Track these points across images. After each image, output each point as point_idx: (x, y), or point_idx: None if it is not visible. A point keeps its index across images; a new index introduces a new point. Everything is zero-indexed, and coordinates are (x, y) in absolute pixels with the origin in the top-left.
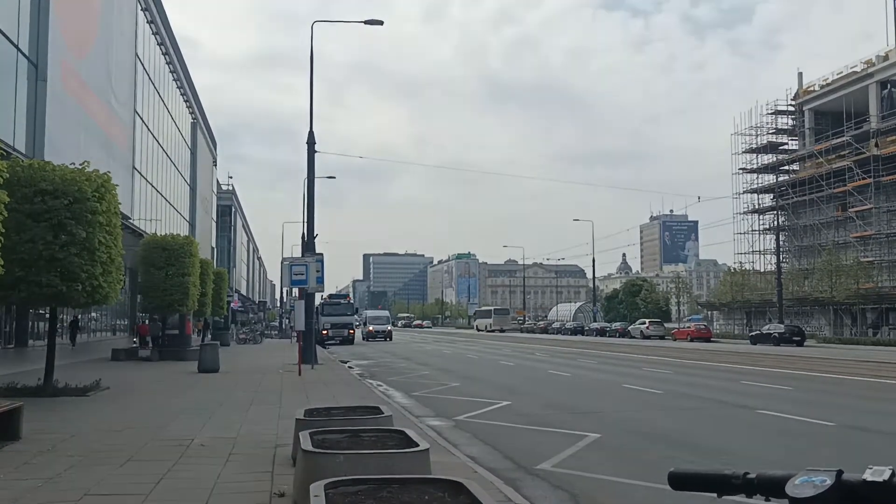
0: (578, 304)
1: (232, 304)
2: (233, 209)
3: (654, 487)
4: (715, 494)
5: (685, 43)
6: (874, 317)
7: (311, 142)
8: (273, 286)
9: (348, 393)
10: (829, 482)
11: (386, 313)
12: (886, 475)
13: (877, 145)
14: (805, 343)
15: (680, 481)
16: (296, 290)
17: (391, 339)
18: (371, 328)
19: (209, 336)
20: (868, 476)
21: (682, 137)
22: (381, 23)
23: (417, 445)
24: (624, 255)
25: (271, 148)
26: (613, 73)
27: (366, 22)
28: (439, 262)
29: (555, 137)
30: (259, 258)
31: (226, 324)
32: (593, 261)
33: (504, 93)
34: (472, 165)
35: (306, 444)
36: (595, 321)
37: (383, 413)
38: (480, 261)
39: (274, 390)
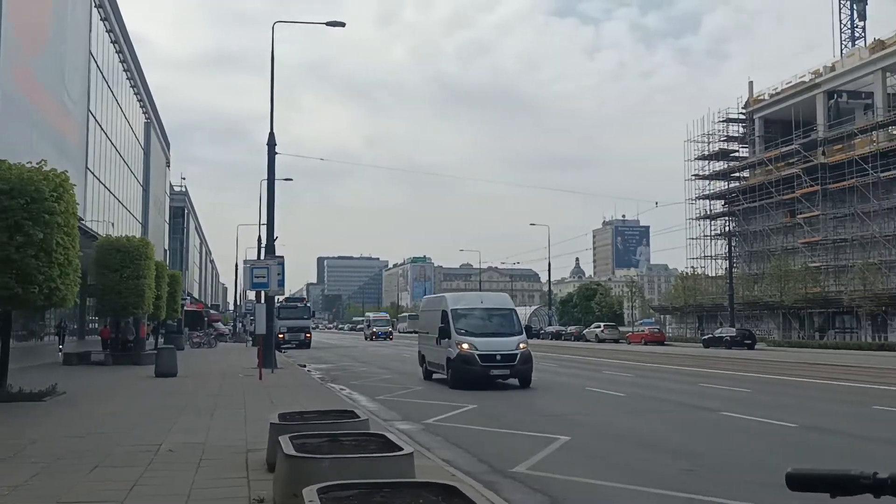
0: (533, 307)
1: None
2: (186, 211)
3: (630, 489)
4: (829, 495)
5: (635, 51)
6: (821, 320)
7: (271, 143)
8: (226, 289)
9: (313, 397)
10: None
11: (387, 316)
12: None
13: (824, 154)
14: (755, 346)
15: (798, 482)
16: (252, 293)
17: (391, 339)
18: (374, 329)
19: (161, 339)
20: None
21: (632, 143)
22: (342, 24)
23: (400, 449)
24: (577, 259)
25: (222, 148)
26: (565, 78)
27: (327, 23)
28: (394, 265)
29: (508, 142)
30: (212, 261)
31: (179, 327)
32: (549, 265)
33: (458, 96)
34: (426, 169)
35: (288, 448)
36: (550, 325)
37: (359, 417)
38: (436, 264)
39: (237, 394)
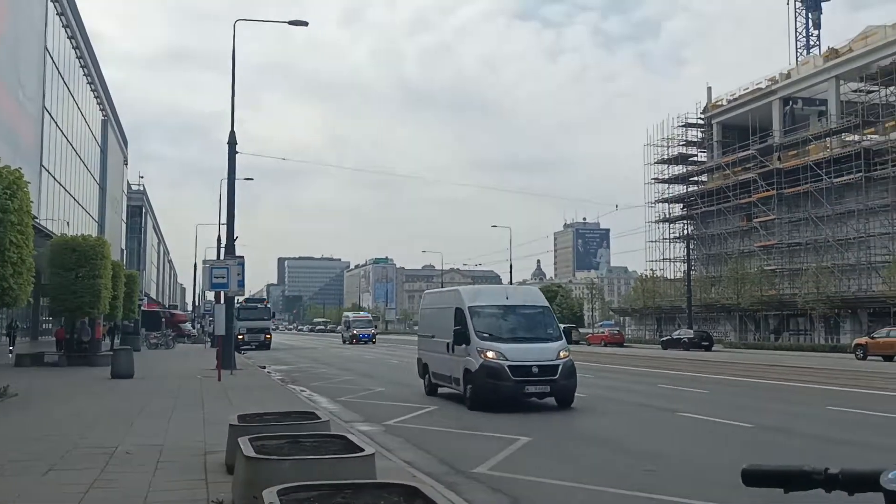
0: None
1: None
2: (143, 210)
3: (591, 489)
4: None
5: (596, 55)
6: (776, 322)
7: (231, 142)
8: (184, 290)
9: (273, 398)
10: None
11: (369, 316)
12: None
13: (779, 159)
14: (713, 348)
15: (753, 478)
16: (212, 294)
17: (374, 342)
18: (355, 331)
19: (117, 340)
20: None
21: (594, 146)
22: (305, 24)
23: (362, 450)
24: (539, 261)
25: (182, 147)
26: (527, 81)
27: (290, 22)
28: (356, 266)
29: (471, 143)
30: (170, 261)
31: (136, 328)
32: (510, 266)
33: (420, 98)
34: (389, 170)
35: (248, 450)
36: None
37: (320, 418)
38: (398, 266)
39: (195, 396)
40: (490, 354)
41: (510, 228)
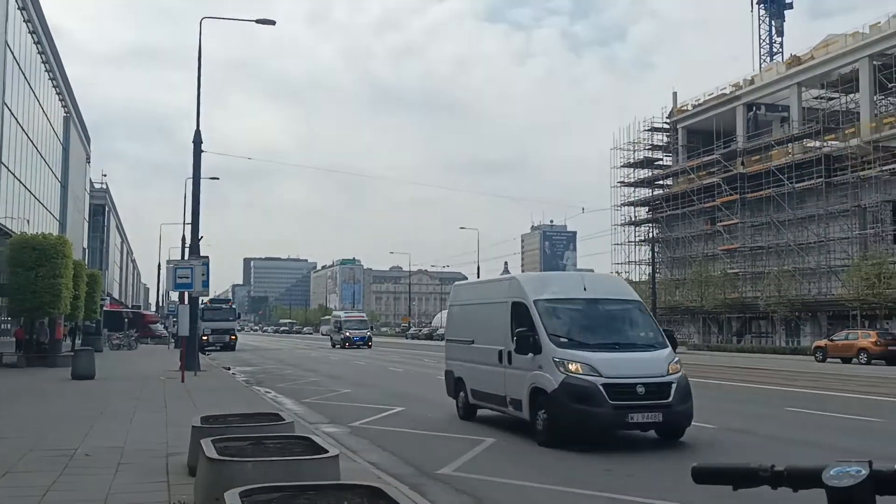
0: None
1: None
2: (106, 209)
3: (554, 489)
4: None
5: (564, 58)
6: (738, 325)
7: (197, 140)
8: (147, 290)
9: (237, 400)
10: (864, 472)
11: (363, 315)
12: None
13: (743, 164)
14: (676, 350)
15: (703, 475)
16: (176, 294)
17: (370, 346)
18: (348, 333)
19: (79, 341)
20: None
21: (562, 149)
22: (272, 22)
23: (326, 452)
24: (506, 263)
25: (146, 145)
26: (496, 83)
27: (257, 21)
28: (323, 267)
29: (440, 145)
30: (133, 260)
31: (97, 328)
32: (478, 268)
33: (389, 98)
34: (357, 170)
35: (210, 451)
36: None
37: (284, 420)
38: (365, 267)
39: (157, 397)
40: (576, 367)
41: (478, 230)
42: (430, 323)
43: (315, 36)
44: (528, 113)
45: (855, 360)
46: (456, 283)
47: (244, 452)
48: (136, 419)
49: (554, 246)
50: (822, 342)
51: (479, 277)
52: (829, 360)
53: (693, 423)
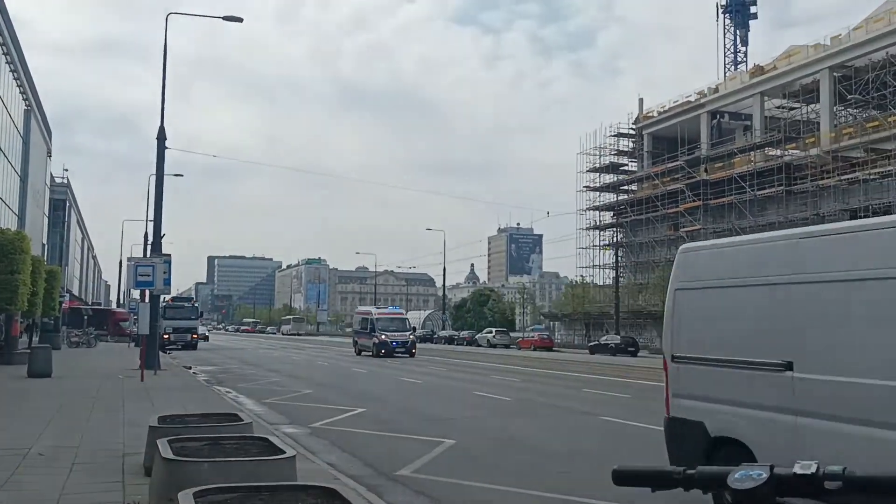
0: (428, 311)
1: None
2: (67, 204)
3: (510, 491)
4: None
5: (533, 62)
6: None
7: (160, 137)
8: (108, 287)
9: (196, 400)
10: (765, 475)
11: (402, 313)
12: (812, 469)
13: (706, 171)
14: (639, 353)
15: (622, 478)
16: (137, 292)
17: (414, 354)
18: (383, 336)
19: (36, 338)
20: (797, 469)
21: (529, 152)
22: (240, 19)
23: (283, 452)
24: (472, 265)
25: (109, 140)
26: (465, 85)
27: (224, 17)
28: (288, 266)
29: (408, 146)
30: (94, 257)
31: (56, 325)
32: (444, 270)
33: (358, 98)
34: (325, 170)
35: (166, 451)
36: (444, 329)
37: (242, 420)
38: (331, 267)
39: (115, 396)
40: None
41: (444, 232)
42: None
43: (284, 34)
44: (496, 115)
45: None
46: (684, 246)
47: (200, 453)
48: (93, 418)
49: (520, 248)
50: None
51: (444, 279)
52: None
53: (648, 426)
